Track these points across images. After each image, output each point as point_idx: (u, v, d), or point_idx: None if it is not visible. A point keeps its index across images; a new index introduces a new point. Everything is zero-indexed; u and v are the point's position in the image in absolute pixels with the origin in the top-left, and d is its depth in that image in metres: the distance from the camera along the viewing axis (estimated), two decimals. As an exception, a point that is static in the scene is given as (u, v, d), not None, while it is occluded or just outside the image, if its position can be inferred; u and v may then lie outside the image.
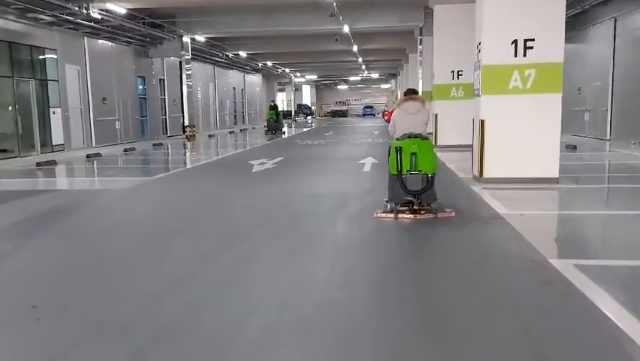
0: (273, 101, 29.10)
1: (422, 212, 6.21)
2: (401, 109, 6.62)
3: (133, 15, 19.03)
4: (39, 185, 10.43)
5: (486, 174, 8.61)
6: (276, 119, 25.75)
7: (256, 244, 5.26)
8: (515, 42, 8.34)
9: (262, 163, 12.43)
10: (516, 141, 8.49)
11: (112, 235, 5.87)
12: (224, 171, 11.96)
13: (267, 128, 26.25)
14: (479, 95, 8.66)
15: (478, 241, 5.32)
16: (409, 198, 6.24)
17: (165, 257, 4.91)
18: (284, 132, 26.05)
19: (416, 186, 6.15)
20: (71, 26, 17.18)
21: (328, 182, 9.67)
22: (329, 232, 5.77)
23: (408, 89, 7.19)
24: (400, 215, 6.22)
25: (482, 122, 8.57)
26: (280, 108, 56.70)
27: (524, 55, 8.35)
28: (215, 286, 4.06)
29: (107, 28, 18.48)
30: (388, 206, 6.40)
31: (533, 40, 8.30)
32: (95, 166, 13.70)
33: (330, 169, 11.47)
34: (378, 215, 6.32)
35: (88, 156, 15.11)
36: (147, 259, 4.92)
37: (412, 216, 6.17)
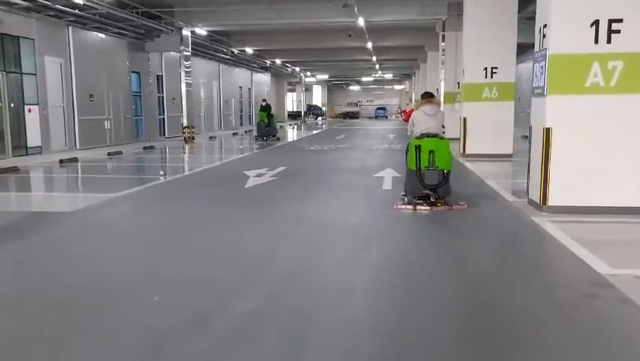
0: (265, 100, 23.64)
1: (438, 204, 6.78)
2: (420, 110, 7.12)
3: (124, 3, 17.04)
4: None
5: (552, 201, 6.43)
6: (267, 123, 21.17)
7: (217, 342, 3.09)
8: (596, 24, 6.17)
9: (260, 175, 10.30)
10: (594, 156, 6.32)
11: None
12: (211, 185, 9.71)
13: (256, 134, 21.84)
14: (544, 95, 6.48)
15: (602, 350, 3.11)
16: (426, 192, 6.78)
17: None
18: (278, 138, 21.30)
19: (433, 181, 6.71)
20: (52, 13, 15.19)
21: (339, 206, 7.51)
22: (341, 312, 3.61)
23: (425, 92, 7.61)
24: (418, 207, 6.78)
25: (547, 131, 6.39)
26: (290, 109, 55.24)
27: (608, 41, 6.17)
28: None
29: (93, 16, 16.50)
30: (406, 198, 7.01)
31: (621, 21, 6.12)
32: (60, 175, 11.63)
33: (341, 185, 9.30)
34: (398, 207, 6.90)
35: (61, 161, 13.06)
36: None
37: (429, 208, 6.74)
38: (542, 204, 6.50)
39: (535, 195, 6.75)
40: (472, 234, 5.70)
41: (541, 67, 6.55)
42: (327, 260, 4.80)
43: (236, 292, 3.92)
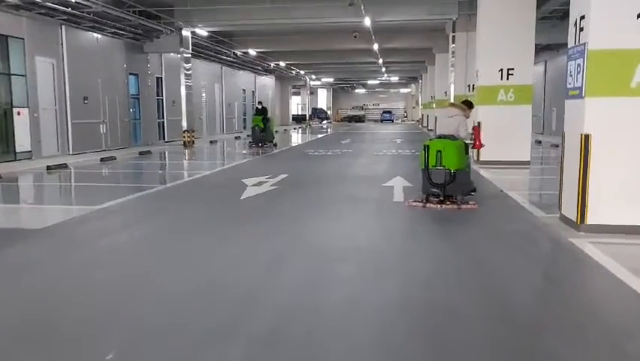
0: (260, 102, 21.41)
1: (447, 203, 7.03)
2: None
3: (120, 2, 16.29)
4: None
5: (591, 219, 5.58)
6: (263, 128, 18.95)
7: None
8: (644, 14, 5.33)
9: (259, 183, 9.49)
10: (641, 168, 5.48)
11: None
12: (205, 196, 8.80)
13: (250, 140, 19.91)
14: (581, 97, 5.63)
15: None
16: (434, 190, 7.08)
17: None
18: (275, 145, 19.21)
19: (440, 180, 6.98)
20: (43, 12, 14.44)
21: (345, 223, 6.60)
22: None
23: (465, 100, 8.10)
24: (427, 204, 7.11)
25: (586, 138, 5.55)
26: (294, 112, 54.40)
27: (658, 35, 5.33)
28: None
29: (88, 15, 15.76)
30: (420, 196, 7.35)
31: (673, 11, 5.29)
32: (44, 183, 10.78)
33: (348, 196, 8.45)
34: (410, 203, 7.25)
35: (49, 167, 12.26)
36: None
37: (438, 206, 7.01)
38: (579, 222, 5.65)
39: (569, 211, 5.90)
40: (505, 260, 4.82)
41: (578, 65, 5.71)
42: (327, 299, 3.94)
43: (210, 349, 3.08)
